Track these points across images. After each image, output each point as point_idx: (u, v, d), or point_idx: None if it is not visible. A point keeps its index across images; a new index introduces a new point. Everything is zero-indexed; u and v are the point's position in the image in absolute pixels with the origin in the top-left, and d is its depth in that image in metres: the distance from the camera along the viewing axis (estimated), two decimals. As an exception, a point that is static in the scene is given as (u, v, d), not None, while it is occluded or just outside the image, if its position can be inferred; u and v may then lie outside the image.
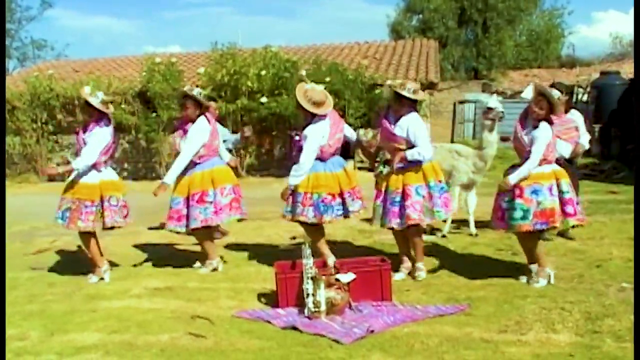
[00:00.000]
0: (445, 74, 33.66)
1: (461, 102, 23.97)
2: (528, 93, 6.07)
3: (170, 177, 6.90)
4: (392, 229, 6.58)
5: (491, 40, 36.04)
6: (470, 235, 8.35)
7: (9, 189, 16.70)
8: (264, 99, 17.75)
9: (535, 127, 6.00)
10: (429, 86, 18.96)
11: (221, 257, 7.36)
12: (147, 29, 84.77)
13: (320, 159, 6.50)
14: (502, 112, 7.75)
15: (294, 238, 8.44)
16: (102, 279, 6.92)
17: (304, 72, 6.87)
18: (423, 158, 6.32)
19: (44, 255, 8.32)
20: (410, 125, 6.34)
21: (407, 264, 6.69)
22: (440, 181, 6.49)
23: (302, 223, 6.61)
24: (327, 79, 17.43)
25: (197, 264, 7.24)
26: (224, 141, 7.79)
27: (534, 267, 6.15)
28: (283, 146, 18.52)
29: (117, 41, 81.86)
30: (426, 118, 19.53)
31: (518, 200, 5.99)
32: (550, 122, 6.02)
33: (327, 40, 26.33)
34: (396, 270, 6.51)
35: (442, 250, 7.64)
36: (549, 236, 7.58)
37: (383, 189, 6.55)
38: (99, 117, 6.82)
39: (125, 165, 20.24)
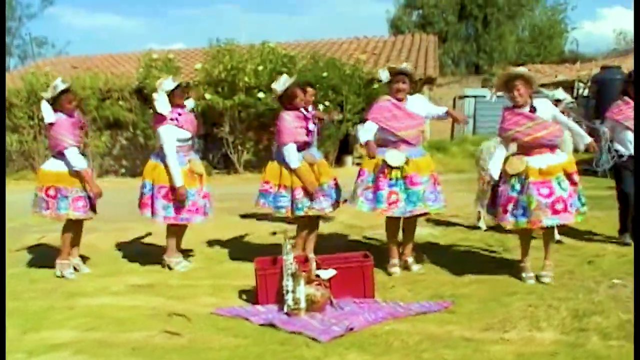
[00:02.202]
0: (446, 69, 33.55)
1: (461, 98, 23.77)
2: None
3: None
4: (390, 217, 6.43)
5: (492, 36, 35.87)
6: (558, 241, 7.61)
7: (10, 186, 16.68)
8: (261, 95, 17.64)
9: (533, 109, 5.86)
10: (427, 81, 18.87)
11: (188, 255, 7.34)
12: (152, 27, 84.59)
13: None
14: (572, 102, 7.26)
15: (274, 233, 8.28)
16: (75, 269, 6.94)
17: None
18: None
19: (30, 252, 8.20)
20: (423, 104, 6.52)
21: (397, 257, 6.53)
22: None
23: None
24: (325, 74, 17.36)
25: (183, 262, 7.07)
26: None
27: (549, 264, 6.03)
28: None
29: (121, 39, 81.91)
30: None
31: (529, 193, 5.74)
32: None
33: (327, 35, 26.09)
34: (386, 263, 6.43)
35: (432, 245, 7.51)
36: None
37: (369, 170, 6.33)
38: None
39: (124, 162, 20.19)
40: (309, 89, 8.94)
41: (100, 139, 19.55)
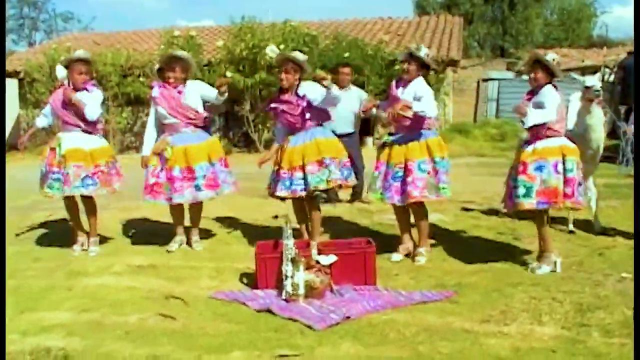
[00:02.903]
0: (471, 51, 33.17)
1: (485, 80, 23.48)
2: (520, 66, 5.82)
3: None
4: (393, 205, 6.34)
5: (518, 18, 35.33)
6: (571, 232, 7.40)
7: (26, 161, 16.79)
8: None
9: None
10: (450, 63, 18.64)
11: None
12: (180, 3, 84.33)
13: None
14: (598, 91, 6.94)
15: (276, 217, 8.14)
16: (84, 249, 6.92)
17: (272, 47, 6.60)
18: (427, 114, 6.01)
19: (37, 229, 8.19)
20: (417, 88, 6.10)
21: (406, 244, 6.44)
22: (443, 158, 6.14)
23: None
24: (347, 54, 17.19)
25: (173, 245, 6.97)
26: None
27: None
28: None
29: (149, 15, 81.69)
30: (447, 96, 19.27)
31: (521, 177, 5.70)
32: (555, 87, 5.73)
33: (352, 15, 25.85)
34: (394, 250, 6.31)
35: (440, 232, 7.34)
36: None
37: (385, 161, 6.29)
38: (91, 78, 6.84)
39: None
40: (342, 69, 8.84)
41: (121, 115, 19.60)
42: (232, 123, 19.27)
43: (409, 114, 5.98)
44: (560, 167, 5.61)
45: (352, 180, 6.52)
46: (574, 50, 30.18)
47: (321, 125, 6.43)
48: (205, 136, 6.80)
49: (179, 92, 6.66)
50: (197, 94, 6.72)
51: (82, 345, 4.36)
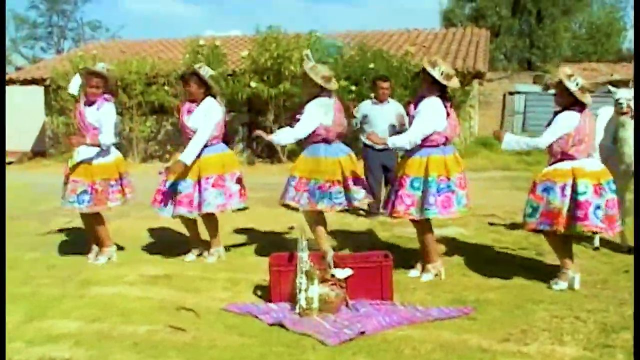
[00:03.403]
0: (497, 64, 32.83)
1: (511, 94, 23.24)
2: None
3: (189, 157, 6.51)
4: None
5: (545, 31, 34.92)
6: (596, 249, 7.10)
7: (51, 168, 16.87)
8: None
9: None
10: (476, 75, 18.44)
11: (225, 248, 7.07)
12: (210, 13, 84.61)
13: (325, 140, 6.08)
14: (622, 103, 6.65)
15: (292, 228, 8.03)
16: (109, 258, 6.85)
17: (307, 52, 6.35)
18: (395, 145, 5.88)
19: (54, 236, 8.14)
20: (421, 107, 5.84)
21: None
22: (448, 178, 5.80)
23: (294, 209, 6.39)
24: (372, 65, 17.09)
25: (190, 255, 6.93)
26: None
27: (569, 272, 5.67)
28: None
29: (179, 25, 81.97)
30: (473, 109, 19.05)
31: (529, 196, 5.67)
32: (581, 110, 5.53)
33: (379, 27, 25.64)
34: (413, 264, 6.16)
35: (462, 246, 7.19)
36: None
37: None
38: (105, 92, 6.70)
39: (168, 147, 20.17)
40: (381, 83, 8.75)
41: (145, 124, 19.60)
42: (255, 133, 19.20)
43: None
44: (568, 190, 5.45)
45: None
46: (603, 65, 29.78)
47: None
48: (203, 152, 6.63)
49: (189, 111, 6.71)
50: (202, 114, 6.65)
51: (88, 356, 4.29)
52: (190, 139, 6.56)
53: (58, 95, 19.45)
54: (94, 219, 6.81)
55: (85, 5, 46.45)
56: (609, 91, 6.84)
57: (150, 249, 7.40)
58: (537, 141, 5.67)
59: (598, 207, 5.43)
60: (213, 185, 6.56)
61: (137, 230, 8.36)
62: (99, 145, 6.52)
